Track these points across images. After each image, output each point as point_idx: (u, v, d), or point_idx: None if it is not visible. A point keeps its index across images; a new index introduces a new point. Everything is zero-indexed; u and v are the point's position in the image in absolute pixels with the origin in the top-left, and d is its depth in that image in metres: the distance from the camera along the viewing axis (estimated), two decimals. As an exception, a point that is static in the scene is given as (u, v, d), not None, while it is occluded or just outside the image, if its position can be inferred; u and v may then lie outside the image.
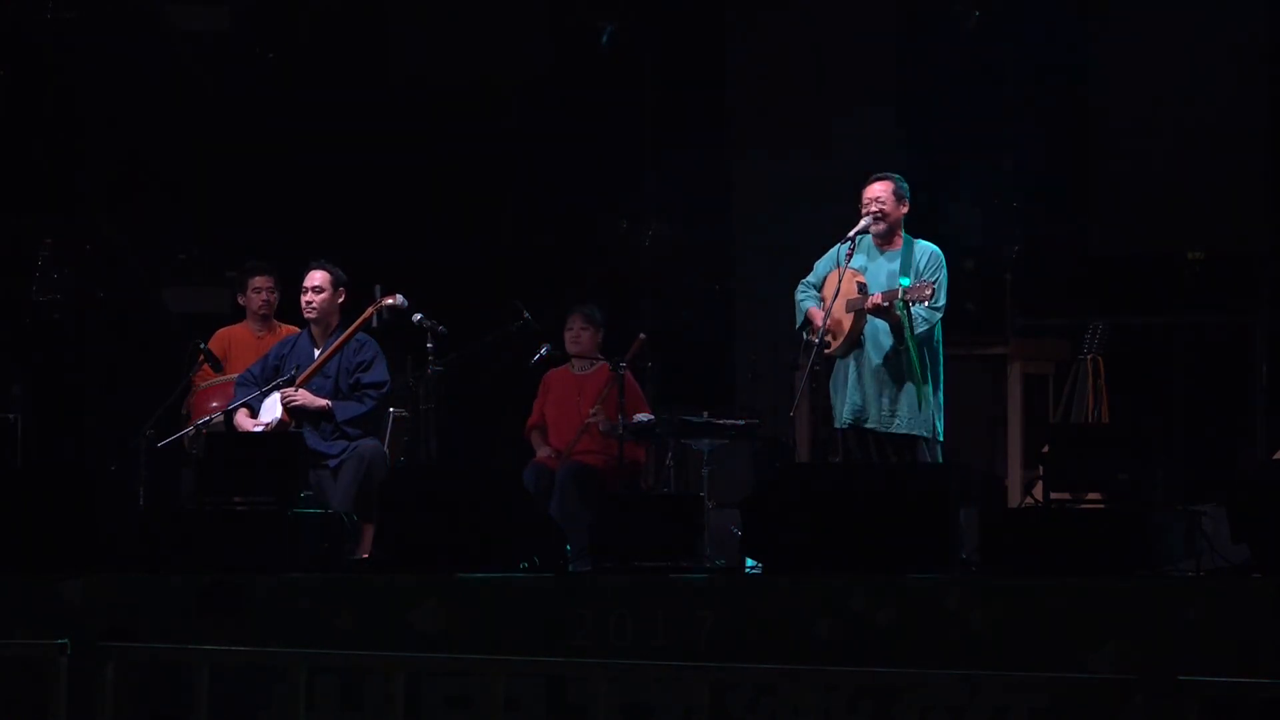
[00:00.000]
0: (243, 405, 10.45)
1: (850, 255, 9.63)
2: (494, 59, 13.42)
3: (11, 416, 12.38)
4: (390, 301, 10.59)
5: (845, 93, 12.87)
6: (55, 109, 13.39)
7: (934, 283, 9.39)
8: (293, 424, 10.34)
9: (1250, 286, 12.19)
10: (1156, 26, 12.44)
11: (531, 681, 7.75)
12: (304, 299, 10.56)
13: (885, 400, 9.52)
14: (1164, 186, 12.39)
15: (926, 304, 9.31)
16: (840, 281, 9.56)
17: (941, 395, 9.59)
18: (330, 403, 10.37)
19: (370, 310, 10.59)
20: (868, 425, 9.54)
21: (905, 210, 9.71)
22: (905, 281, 9.44)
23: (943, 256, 9.64)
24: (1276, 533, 7.70)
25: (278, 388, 10.44)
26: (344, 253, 11.28)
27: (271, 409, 10.44)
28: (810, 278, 9.81)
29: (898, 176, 9.75)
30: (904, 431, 9.49)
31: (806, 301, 9.73)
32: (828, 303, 9.54)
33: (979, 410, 11.68)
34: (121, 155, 13.40)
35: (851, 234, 9.65)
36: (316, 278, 10.57)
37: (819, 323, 9.54)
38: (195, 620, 8.21)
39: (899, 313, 9.38)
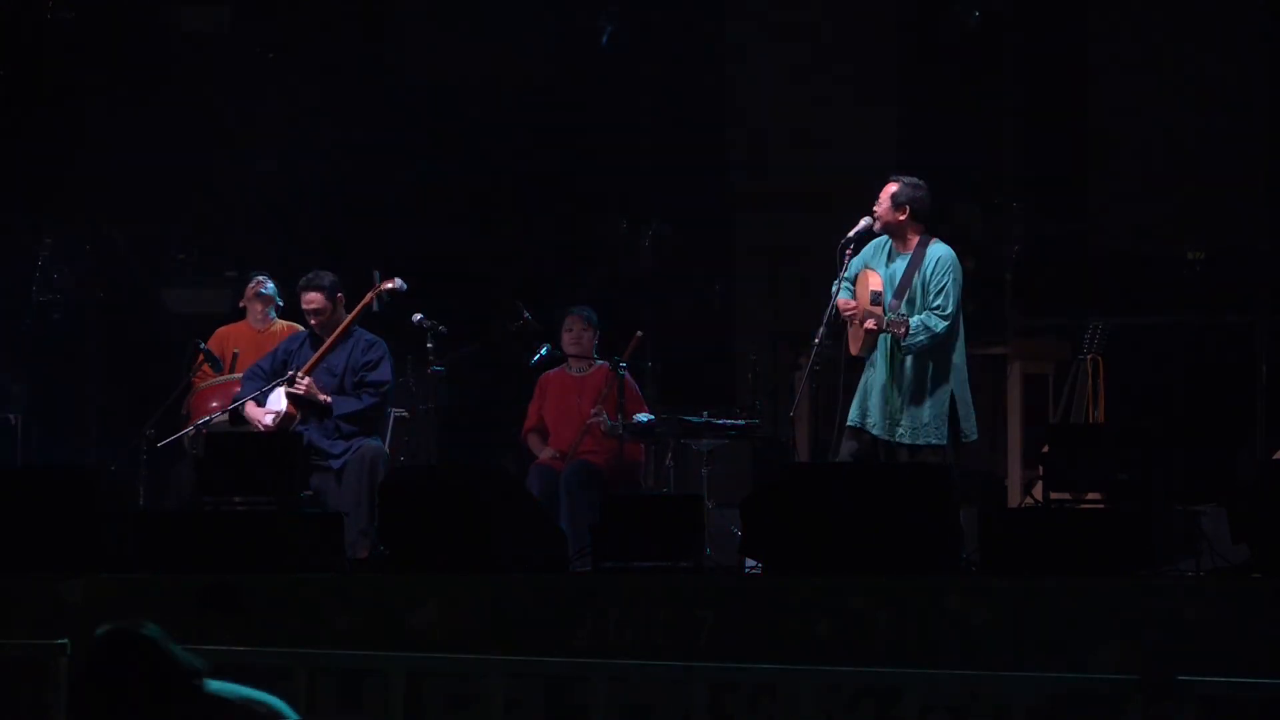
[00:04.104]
0: (249, 399, 10.48)
1: (850, 255, 9.63)
2: (494, 59, 13.42)
3: (11, 416, 12.39)
4: (389, 285, 10.60)
5: (845, 93, 12.88)
6: (55, 109, 13.40)
7: (908, 319, 9.36)
8: (298, 417, 10.37)
9: (1250, 286, 12.19)
10: (1157, 25, 12.45)
11: (531, 681, 7.75)
12: (310, 321, 10.62)
13: (890, 411, 9.51)
14: (1164, 186, 12.39)
15: (904, 336, 9.31)
16: (854, 282, 9.59)
17: (967, 396, 9.55)
18: (330, 399, 10.39)
19: (370, 295, 10.60)
20: (872, 431, 9.56)
21: (904, 216, 9.58)
22: (891, 310, 9.45)
23: (954, 260, 9.55)
24: (1276, 533, 7.70)
25: (280, 385, 10.46)
26: (344, 253, 11.30)
27: (276, 403, 10.45)
28: (846, 273, 9.74)
29: (911, 181, 9.63)
30: (907, 442, 9.50)
31: (842, 293, 9.68)
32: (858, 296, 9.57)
33: (979, 410, 11.68)
34: (122, 155, 13.40)
35: (851, 234, 9.65)
36: (313, 300, 10.57)
37: (846, 310, 9.51)
38: (195, 620, 8.20)
39: (925, 336, 9.39)
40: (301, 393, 10.35)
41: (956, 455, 9.53)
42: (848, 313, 9.53)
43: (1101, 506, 8.10)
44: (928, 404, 9.49)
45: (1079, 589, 7.53)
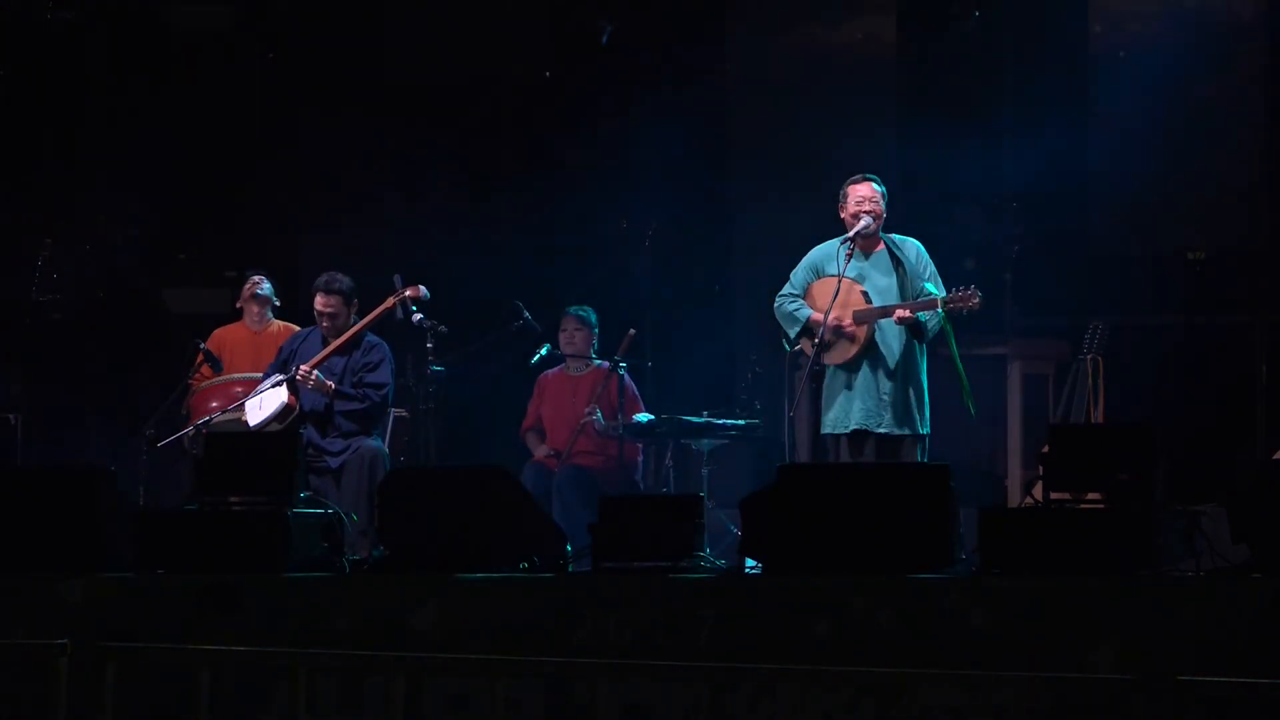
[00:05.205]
0: (251, 398, 10.51)
1: (850, 258, 9.64)
2: (494, 58, 13.43)
3: (11, 416, 12.39)
4: (411, 293, 10.63)
5: (845, 93, 12.87)
6: (55, 109, 13.40)
7: (975, 290, 9.42)
8: (297, 409, 10.38)
9: (1250, 286, 12.19)
10: (1157, 25, 12.45)
11: (531, 681, 7.75)
12: (321, 323, 10.60)
13: (899, 405, 9.59)
14: (1164, 186, 12.39)
15: (976, 306, 9.37)
16: (839, 288, 9.58)
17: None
18: (333, 385, 10.43)
19: (392, 301, 10.63)
20: (880, 430, 9.60)
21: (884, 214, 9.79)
22: (931, 288, 9.50)
23: (922, 244, 9.73)
24: (1276, 533, 7.69)
25: (279, 382, 10.48)
26: (344, 253, 11.29)
27: (276, 396, 10.46)
28: (790, 288, 9.82)
29: (875, 177, 9.78)
30: (909, 433, 9.58)
31: (803, 310, 9.72)
32: (826, 307, 9.57)
33: (979, 410, 11.68)
34: (122, 155, 13.41)
35: (851, 234, 9.67)
36: (330, 303, 10.56)
37: (823, 324, 9.55)
38: (195, 620, 8.20)
39: (937, 322, 9.43)
40: (310, 385, 10.36)
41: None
42: (836, 324, 9.54)
43: (1101, 506, 8.09)
44: (925, 395, 9.62)
45: (1079, 589, 7.52)
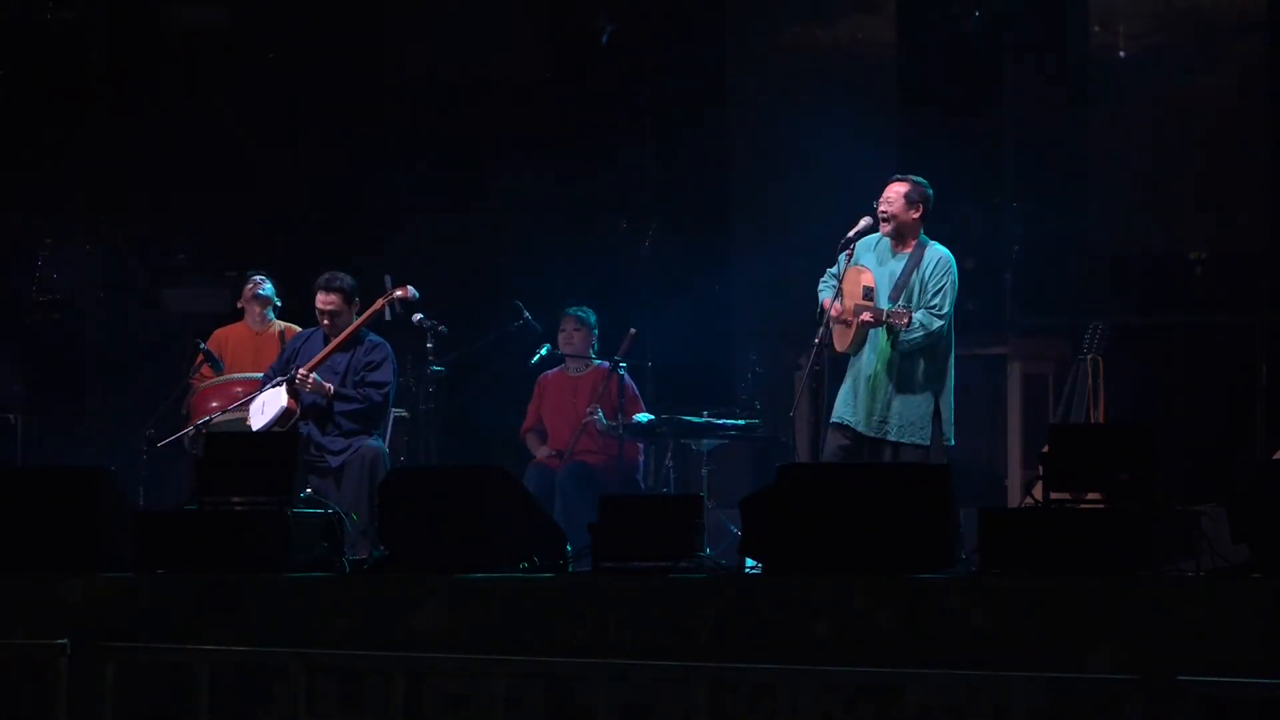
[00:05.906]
0: (252, 399, 10.53)
1: (850, 254, 9.64)
2: (494, 58, 13.43)
3: (11, 416, 12.39)
4: (401, 294, 10.64)
5: (845, 93, 12.87)
6: (55, 109, 13.40)
7: (910, 311, 9.39)
8: (298, 412, 10.38)
9: (1250, 286, 12.19)
10: (1157, 25, 12.45)
11: (531, 681, 7.75)
12: (322, 321, 10.60)
13: (877, 408, 9.57)
14: (1164, 186, 12.40)
15: (905, 326, 9.35)
16: (842, 281, 9.60)
17: (950, 401, 9.61)
18: (333, 387, 10.43)
19: (381, 302, 10.64)
20: (856, 427, 9.60)
21: (917, 215, 9.67)
22: (889, 305, 9.49)
23: (953, 263, 9.62)
24: (1276, 533, 7.69)
25: (279, 384, 10.48)
26: (343, 253, 11.29)
27: (276, 400, 10.46)
28: (834, 269, 9.81)
29: (920, 180, 9.69)
30: (892, 439, 9.55)
31: (825, 293, 9.75)
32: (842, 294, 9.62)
33: (979, 410, 11.69)
34: (122, 155, 13.41)
35: (851, 233, 9.67)
36: (331, 301, 10.57)
37: (827, 312, 9.58)
38: (195, 620, 8.20)
39: (915, 335, 9.43)
40: (308, 388, 10.37)
41: (932, 457, 9.59)
42: (834, 314, 9.56)
43: (1101, 506, 8.09)
44: (915, 403, 9.56)
45: (1079, 589, 7.52)
